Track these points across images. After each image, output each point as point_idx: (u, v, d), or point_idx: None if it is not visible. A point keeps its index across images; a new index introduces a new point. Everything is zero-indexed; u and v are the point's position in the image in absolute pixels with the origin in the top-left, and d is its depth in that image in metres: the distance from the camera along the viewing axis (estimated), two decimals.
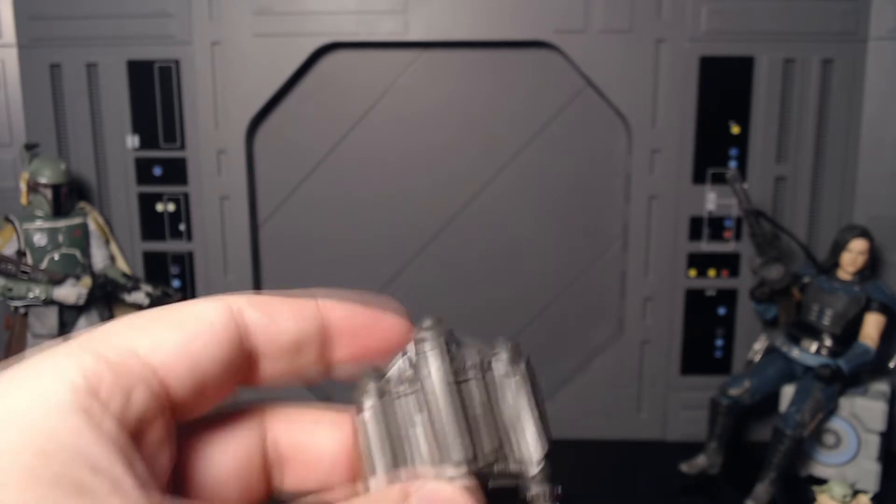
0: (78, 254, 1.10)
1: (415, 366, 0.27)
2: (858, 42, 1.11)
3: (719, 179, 1.14)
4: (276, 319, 0.27)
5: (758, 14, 1.10)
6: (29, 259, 1.07)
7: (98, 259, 1.13)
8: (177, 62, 1.13)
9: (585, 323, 1.23)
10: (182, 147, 1.16)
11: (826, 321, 1.06)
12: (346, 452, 0.29)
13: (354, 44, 1.14)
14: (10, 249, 1.07)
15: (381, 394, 0.27)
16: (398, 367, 0.27)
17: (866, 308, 1.05)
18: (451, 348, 0.27)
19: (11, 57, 1.13)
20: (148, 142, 1.16)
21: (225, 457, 0.28)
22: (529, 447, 0.27)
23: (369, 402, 0.27)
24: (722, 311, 1.19)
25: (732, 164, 1.14)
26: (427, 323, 0.27)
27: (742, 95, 1.13)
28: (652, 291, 1.18)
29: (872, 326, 1.04)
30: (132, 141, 1.16)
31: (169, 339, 0.24)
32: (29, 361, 0.23)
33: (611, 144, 1.18)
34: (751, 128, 1.14)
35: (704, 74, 1.12)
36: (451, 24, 1.12)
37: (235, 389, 0.27)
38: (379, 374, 0.27)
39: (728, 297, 1.19)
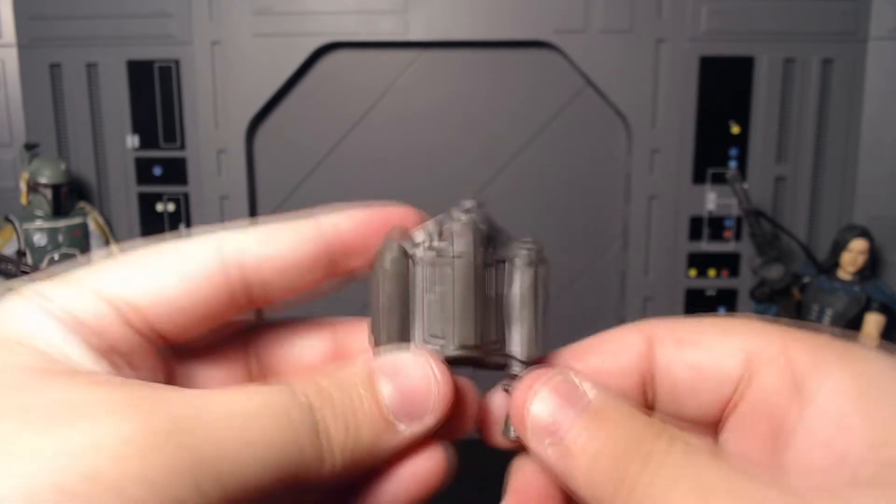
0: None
1: (445, 238, 0.26)
2: (858, 42, 1.11)
3: (719, 179, 1.14)
4: (271, 245, 0.27)
5: (758, 14, 1.10)
6: (29, 259, 1.07)
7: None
8: (177, 62, 1.13)
9: (585, 323, 1.23)
10: (182, 147, 1.16)
11: (826, 321, 1.06)
12: (326, 358, 0.29)
13: (354, 44, 1.14)
14: (10, 249, 1.07)
15: (401, 256, 0.26)
16: (427, 232, 0.26)
17: (866, 308, 1.05)
18: (485, 231, 0.26)
19: (11, 57, 1.13)
20: (148, 142, 1.16)
21: (212, 377, 0.28)
22: (518, 347, 0.27)
23: (388, 260, 0.27)
24: (722, 311, 1.19)
25: (732, 164, 1.14)
26: (467, 204, 0.27)
27: (742, 95, 1.13)
28: (652, 291, 1.18)
29: (873, 327, 1.04)
30: (132, 141, 1.16)
31: (144, 278, 0.25)
32: (12, 294, 0.24)
33: (611, 144, 1.18)
34: (751, 128, 1.14)
35: (704, 74, 1.12)
36: (451, 24, 1.12)
37: (234, 314, 0.28)
38: (403, 235, 0.27)
39: (728, 297, 1.19)
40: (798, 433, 0.23)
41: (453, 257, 0.26)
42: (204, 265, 0.27)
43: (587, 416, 0.24)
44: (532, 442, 0.25)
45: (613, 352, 0.28)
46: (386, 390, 0.25)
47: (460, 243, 0.26)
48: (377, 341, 0.27)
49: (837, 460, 0.21)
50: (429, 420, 0.25)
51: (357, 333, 0.32)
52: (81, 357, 0.22)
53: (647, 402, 0.27)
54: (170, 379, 0.27)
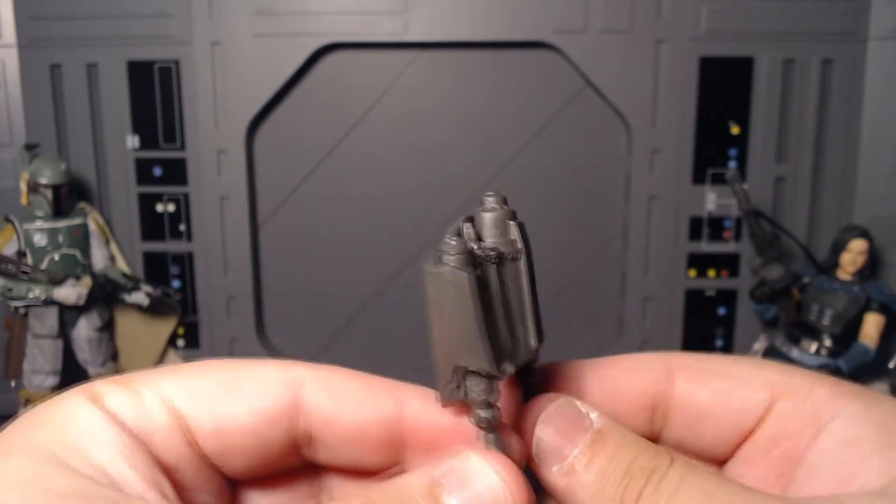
0: (78, 254, 1.10)
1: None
2: (858, 42, 1.11)
3: (719, 179, 1.14)
4: (340, 406, 0.25)
5: (758, 14, 1.10)
6: (29, 259, 1.07)
7: (98, 259, 1.13)
8: (177, 62, 1.13)
9: (585, 323, 1.23)
10: (182, 147, 1.16)
11: (826, 321, 1.06)
12: (378, 425, 0.26)
13: (354, 44, 1.14)
14: (10, 249, 1.07)
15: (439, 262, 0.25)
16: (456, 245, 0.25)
17: (866, 308, 1.05)
18: (480, 246, 0.25)
19: (11, 57, 1.13)
20: (148, 142, 1.16)
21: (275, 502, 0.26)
22: (530, 339, 0.25)
23: (429, 268, 0.24)
24: (722, 311, 1.19)
25: (732, 164, 1.14)
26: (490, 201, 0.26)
27: (742, 95, 1.13)
28: (652, 291, 1.18)
29: (872, 326, 1.04)
30: (132, 141, 1.16)
31: (204, 396, 0.24)
32: (76, 388, 0.23)
33: (611, 144, 1.18)
34: (751, 128, 1.14)
35: (704, 74, 1.12)
36: (451, 25, 1.12)
37: (290, 465, 0.26)
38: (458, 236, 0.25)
39: (728, 297, 1.19)
40: (809, 456, 0.24)
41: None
42: (277, 406, 0.24)
43: (591, 439, 0.24)
44: (539, 465, 0.25)
45: (630, 372, 0.27)
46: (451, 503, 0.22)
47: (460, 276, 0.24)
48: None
49: (845, 481, 0.22)
50: None
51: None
52: (133, 479, 0.21)
53: (652, 429, 0.27)
54: (231, 502, 0.25)
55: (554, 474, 0.24)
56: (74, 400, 0.22)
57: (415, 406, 0.25)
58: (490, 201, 0.26)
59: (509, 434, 0.24)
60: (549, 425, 0.25)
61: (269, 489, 0.26)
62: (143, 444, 0.22)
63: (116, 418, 0.22)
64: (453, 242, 0.24)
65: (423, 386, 0.25)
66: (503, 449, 0.24)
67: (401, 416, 0.25)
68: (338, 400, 0.24)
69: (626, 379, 0.27)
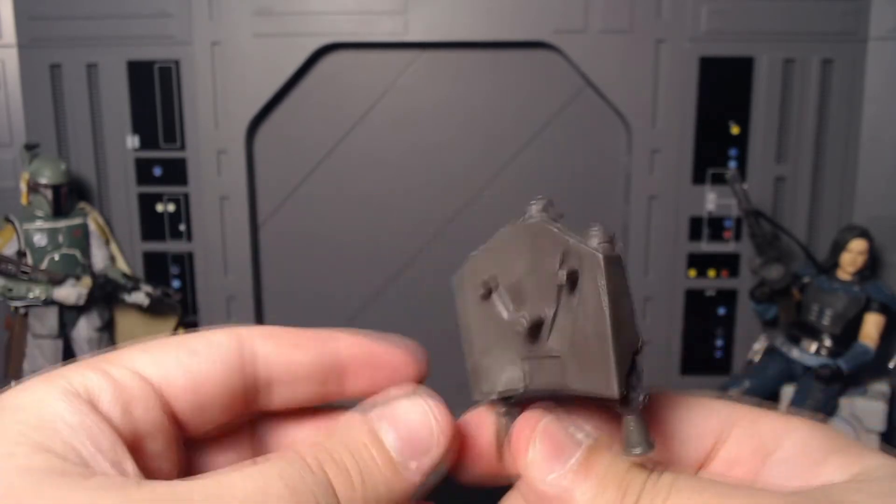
0: (78, 254, 1.10)
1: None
2: (858, 42, 1.11)
3: (719, 180, 1.14)
4: (285, 349, 0.27)
5: (758, 14, 1.10)
6: (29, 259, 1.07)
7: (98, 259, 1.13)
8: (177, 62, 1.13)
9: None
10: (182, 147, 1.16)
11: (826, 321, 1.06)
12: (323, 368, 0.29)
13: (354, 44, 1.14)
14: (10, 249, 1.07)
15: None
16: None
17: (866, 308, 1.05)
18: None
19: (11, 57, 1.13)
20: (148, 142, 1.16)
21: (223, 463, 0.28)
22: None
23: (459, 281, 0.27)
24: (722, 311, 1.19)
25: (732, 164, 1.14)
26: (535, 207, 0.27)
27: (742, 95, 1.13)
28: (652, 291, 1.18)
29: (872, 326, 1.04)
30: (132, 141, 1.16)
31: (173, 360, 0.26)
32: (42, 374, 0.24)
33: (611, 144, 1.18)
34: (751, 128, 1.14)
35: (704, 74, 1.12)
36: (451, 25, 1.12)
37: (243, 413, 0.28)
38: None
39: (728, 297, 1.19)
40: (766, 470, 0.26)
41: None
42: (231, 355, 0.27)
43: (588, 448, 0.25)
44: (534, 472, 0.26)
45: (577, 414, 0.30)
46: (389, 437, 0.26)
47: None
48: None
49: (807, 482, 0.25)
50: (435, 452, 0.26)
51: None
52: (99, 459, 0.22)
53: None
54: (187, 467, 0.27)
55: (549, 482, 0.25)
56: (42, 384, 0.23)
57: (347, 340, 0.28)
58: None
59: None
60: (546, 437, 0.26)
61: (217, 449, 0.29)
62: (108, 424, 0.23)
63: (84, 400, 0.23)
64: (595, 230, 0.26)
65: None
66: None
67: (338, 346, 0.28)
68: (283, 345, 0.27)
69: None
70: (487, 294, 0.26)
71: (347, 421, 0.26)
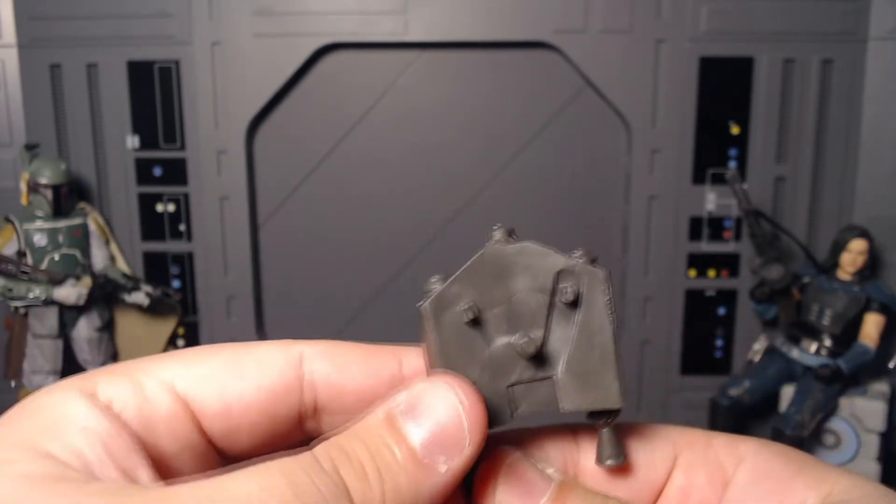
0: (78, 254, 1.10)
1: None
2: (858, 42, 1.11)
3: (719, 179, 1.14)
4: (345, 372, 0.25)
5: (758, 14, 1.10)
6: (29, 259, 1.07)
7: (98, 259, 1.13)
8: (177, 62, 1.13)
9: None
10: (182, 147, 1.16)
11: (826, 321, 1.06)
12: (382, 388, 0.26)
13: (354, 44, 1.14)
14: (10, 249, 1.07)
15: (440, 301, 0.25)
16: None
17: (866, 308, 1.05)
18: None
19: (11, 57, 1.13)
20: (148, 142, 1.16)
21: None
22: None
23: (428, 300, 0.25)
24: (722, 311, 1.19)
25: (732, 164, 1.14)
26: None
27: (742, 95, 1.13)
28: (652, 291, 1.18)
29: (872, 326, 1.04)
30: (132, 141, 1.16)
31: (210, 378, 0.24)
32: (75, 376, 0.23)
33: (611, 144, 1.18)
34: (751, 128, 1.14)
35: (704, 74, 1.12)
36: (451, 25, 1.12)
37: (290, 436, 0.26)
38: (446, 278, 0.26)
39: (728, 297, 1.19)
40: (729, 499, 0.25)
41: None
42: (283, 381, 0.24)
43: (553, 495, 0.24)
44: None
45: (536, 442, 0.28)
46: (413, 432, 0.23)
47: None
48: None
49: None
50: (468, 451, 0.23)
51: None
52: (106, 465, 0.21)
53: None
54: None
55: None
56: (65, 389, 0.22)
57: (413, 359, 0.26)
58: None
59: None
60: (512, 477, 0.25)
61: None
62: (127, 432, 0.22)
63: (106, 406, 0.22)
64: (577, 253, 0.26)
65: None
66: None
67: (401, 372, 0.26)
68: (341, 367, 0.25)
69: (538, 445, 0.27)
70: (475, 320, 0.25)
71: (368, 418, 0.24)
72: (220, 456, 0.25)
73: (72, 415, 0.21)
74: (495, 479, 0.24)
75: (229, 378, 0.24)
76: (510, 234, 0.26)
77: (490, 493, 0.24)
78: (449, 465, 0.23)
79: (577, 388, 0.25)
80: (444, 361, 0.25)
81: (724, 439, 0.26)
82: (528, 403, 0.25)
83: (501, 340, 0.25)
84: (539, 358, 0.25)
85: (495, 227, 0.26)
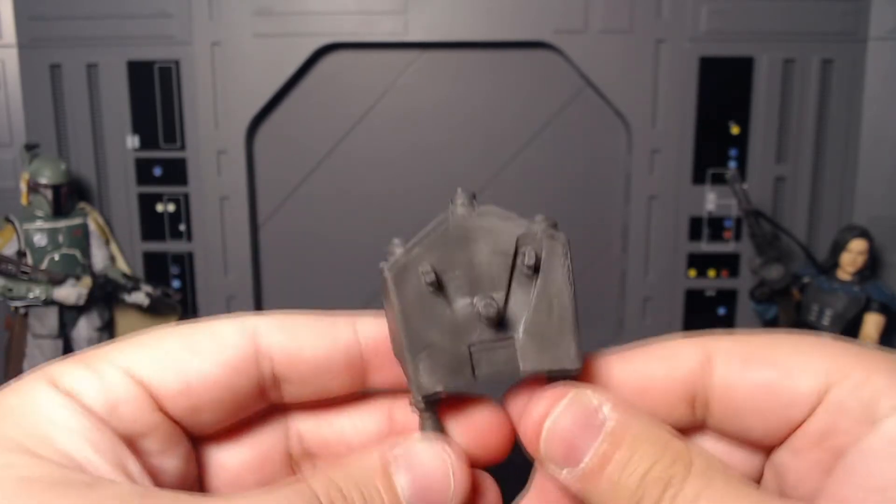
0: (78, 254, 1.10)
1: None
2: (858, 42, 1.11)
3: (719, 180, 1.14)
4: (300, 342, 0.25)
5: (758, 14, 1.10)
6: (29, 259, 1.07)
7: (98, 259, 1.13)
8: (177, 62, 1.13)
9: (585, 323, 1.23)
10: (182, 147, 1.16)
11: (826, 321, 1.06)
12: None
13: (354, 44, 1.14)
14: (10, 249, 1.07)
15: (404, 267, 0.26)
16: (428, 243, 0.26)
17: (866, 308, 1.05)
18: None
19: (11, 57, 1.13)
20: (148, 142, 1.16)
21: (247, 460, 0.27)
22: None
23: (389, 268, 0.25)
24: (722, 311, 1.19)
25: (732, 164, 1.14)
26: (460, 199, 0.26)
27: (742, 95, 1.13)
28: (652, 291, 1.18)
29: (872, 327, 1.04)
30: (132, 141, 1.16)
31: (167, 359, 0.24)
32: (30, 373, 0.23)
33: (611, 144, 1.18)
34: (751, 128, 1.14)
35: (704, 74, 1.12)
36: (451, 25, 1.12)
37: (252, 410, 0.26)
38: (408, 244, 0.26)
39: (728, 297, 1.19)
40: (855, 454, 0.22)
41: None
42: (238, 354, 0.25)
43: (605, 440, 0.23)
44: (548, 466, 0.24)
45: (664, 361, 0.26)
46: (402, 482, 0.24)
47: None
48: None
49: (886, 490, 0.21)
50: None
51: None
52: (99, 462, 0.21)
53: (694, 419, 0.26)
54: (199, 464, 0.26)
55: (565, 477, 0.23)
56: (33, 386, 0.22)
57: (368, 326, 0.26)
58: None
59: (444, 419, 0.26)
60: (559, 424, 0.24)
61: (235, 444, 0.27)
62: (106, 425, 0.22)
63: (77, 400, 0.22)
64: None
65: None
66: (440, 430, 0.25)
67: (357, 339, 0.26)
68: (296, 337, 0.25)
69: (658, 370, 0.26)
70: (437, 284, 0.25)
71: (363, 457, 0.24)
72: (186, 434, 0.25)
73: (50, 414, 0.21)
74: (548, 417, 0.24)
75: (186, 357, 0.24)
76: (472, 198, 0.26)
77: (538, 426, 0.24)
78: None
79: (536, 350, 0.25)
80: (405, 323, 0.25)
81: (884, 379, 0.22)
82: (488, 365, 0.25)
83: (463, 302, 0.25)
84: (500, 320, 0.25)
85: (459, 193, 0.26)
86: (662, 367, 0.26)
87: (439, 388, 0.25)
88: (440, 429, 0.26)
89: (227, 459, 0.27)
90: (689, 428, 0.26)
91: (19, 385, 0.22)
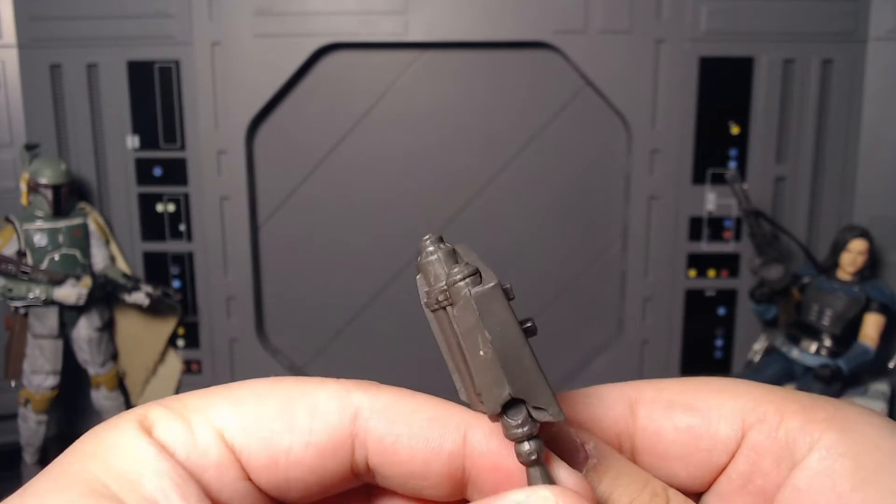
0: (78, 254, 1.10)
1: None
2: (858, 42, 1.11)
3: (719, 180, 1.14)
4: (401, 440, 0.23)
5: (758, 14, 1.10)
6: (29, 259, 1.07)
7: (98, 259, 1.13)
8: (177, 62, 1.13)
9: (585, 323, 1.23)
10: (182, 147, 1.16)
11: (826, 321, 1.06)
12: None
13: (354, 44, 1.14)
14: (10, 250, 1.07)
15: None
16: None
17: (866, 308, 1.05)
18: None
19: (11, 57, 1.13)
20: (148, 142, 1.16)
21: None
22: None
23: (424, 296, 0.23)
24: (722, 311, 1.19)
25: (732, 164, 1.14)
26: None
27: (742, 95, 1.13)
28: (652, 291, 1.18)
29: (872, 327, 1.04)
30: (132, 141, 1.16)
31: (258, 427, 0.23)
32: (126, 414, 0.22)
33: (611, 144, 1.18)
34: (750, 128, 1.14)
35: (704, 74, 1.12)
36: (451, 25, 1.12)
37: (345, 488, 0.24)
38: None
39: (728, 297, 1.19)
40: (784, 494, 0.22)
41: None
42: (335, 439, 0.23)
43: (587, 475, 0.23)
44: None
45: (594, 408, 0.26)
46: None
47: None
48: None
49: None
50: None
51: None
52: None
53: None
54: None
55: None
56: (127, 427, 0.22)
57: (479, 440, 0.23)
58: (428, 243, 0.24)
59: (558, 465, 0.23)
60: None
61: None
62: (194, 480, 0.21)
63: (168, 449, 0.22)
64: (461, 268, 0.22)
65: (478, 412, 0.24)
66: (549, 481, 0.23)
67: (464, 450, 0.23)
68: (399, 432, 0.23)
69: (592, 414, 0.26)
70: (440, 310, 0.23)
71: None
72: (272, 501, 0.24)
73: (140, 458, 0.21)
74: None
75: (278, 429, 0.23)
76: (438, 241, 0.23)
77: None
78: None
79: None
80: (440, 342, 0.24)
81: (798, 419, 0.23)
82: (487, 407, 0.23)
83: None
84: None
85: (426, 237, 0.24)
86: (596, 411, 0.25)
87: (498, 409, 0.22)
88: (549, 480, 0.23)
89: None
90: None
91: (113, 424, 0.22)
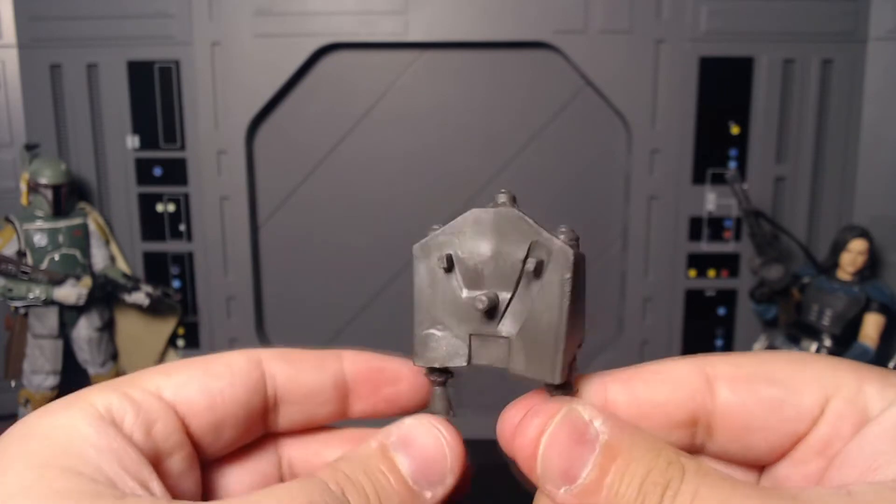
0: (78, 254, 1.10)
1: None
2: (858, 42, 1.11)
3: (719, 180, 1.14)
4: (298, 369, 0.29)
5: (758, 14, 1.10)
6: (29, 259, 1.07)
7: (98, 259, 1.13)
8: (177, 62, 1.13)
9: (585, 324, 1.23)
10: (182, 147, 1.16)
11: (826, 321, 1.06)
12: None
13: (354, 44, 1.14)
14: (10, 250, 1.07)
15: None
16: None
17: (866, 308, 1.05)
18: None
19: (11, 57, 1.13)
20: (148, 142, 1.16)
21: (246, 484, 0.30)
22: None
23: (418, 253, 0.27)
24: (722, 311, 1.19)
25: (732, 164, 1.14)
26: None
27: (742, 95, 1.13)
28: (652, 291, 1.18)
29: (872, 327, 1.04)
30: (132, 141, 1.16)
31: (192, 382, 0.27)
32: (65, 397, 0.25)
33: (611, 144, 1.18)
34: (751, 128, 1.14)
35: (704, 74, 1.12)
36: (451, 25, 1.12)
37: (258, 432, 0.29)
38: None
39: (728, 297, 1.19)
40: (850, 446, 0.23)
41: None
42: (250, 377, 0.28)
43: (600, 455, 0.23)
44: (546, 485, 0.24)
45: (664, 385, 0.27)
46: (404, 462, 0.26)
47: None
48: None
49: (873, 470, 0.22)
50: (449, 480, 0.26)
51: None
52: (126, 479, 0.22)
53: (693, 442, 0.26)
54: (205, 488, 0.28)
55: (563, 496, 0.24)
56: (65, 409, 0.24)
57: (352, 358, 0.30)
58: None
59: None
60: (555, 443, 0.24)
61: (236, 469, 0.30)
62: (134, 446, 0.24)
63: (108, 421, 0.24)
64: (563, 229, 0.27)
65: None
66: (449, 407, 0.28)
67: (343, 369, 0.30)
68: (294, 365, 0.29)
69: (659, 394, 0.27)
70: (450, 268, 0.27)
71: (364, 446, 0.27)
72: (203, 461, 0.28)
73: (81, 434, 0.23)
74: (543, 436, 0.25)
75: (207, 379, 0.27)
76: (513, 200, 0.27)
77: (531, 466, 0.25)
78: (433, 493, 0.26)
79: (524, 356, 0.26)
80: (417, 298, 0.28)
81: (876, 386, 0.24)
82: (484, 355, 0.27)
83: (470, 293, 0.27)
84: (498, 317, 0.26)
85: (502, 192, 0.27)
86: (663, 390, 0.27)
87: (435, 364, 0.27)
88: (449, 406, 0.28)
89: (229, 484, 0.29)
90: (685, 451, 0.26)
91: (52, 408, 0.24)
